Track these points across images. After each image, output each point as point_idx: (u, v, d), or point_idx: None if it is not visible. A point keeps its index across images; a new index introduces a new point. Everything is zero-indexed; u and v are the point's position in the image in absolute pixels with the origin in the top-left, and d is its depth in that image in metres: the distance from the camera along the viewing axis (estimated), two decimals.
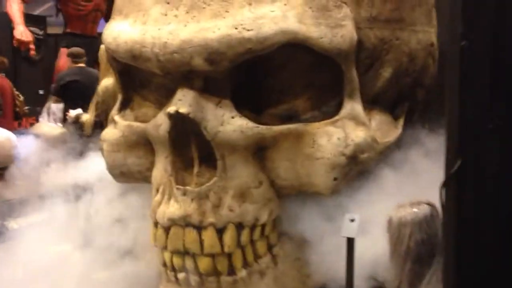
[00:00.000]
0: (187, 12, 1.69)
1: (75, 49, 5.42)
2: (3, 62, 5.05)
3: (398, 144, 1.93)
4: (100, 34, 3.00)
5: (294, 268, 1.92)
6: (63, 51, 5.87)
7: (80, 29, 6.39)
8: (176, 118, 1.69)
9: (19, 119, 5.20)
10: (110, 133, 2.02)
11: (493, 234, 1.16)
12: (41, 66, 6.27)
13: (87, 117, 3.40)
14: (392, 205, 1.60)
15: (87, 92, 5.23)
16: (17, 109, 5.18)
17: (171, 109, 1.68)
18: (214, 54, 1.64)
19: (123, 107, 2.06)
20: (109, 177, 2.13)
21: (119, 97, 2.07)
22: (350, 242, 1.60)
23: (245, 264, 1.82)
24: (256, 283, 1.84)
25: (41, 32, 6.50)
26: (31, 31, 6.01)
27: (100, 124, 3.00)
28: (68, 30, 6.42)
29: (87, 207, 2.35)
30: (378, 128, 1.89)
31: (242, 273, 1.81)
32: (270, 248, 1.87)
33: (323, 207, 1.85)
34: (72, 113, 4.10)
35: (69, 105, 4.71)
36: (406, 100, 2.01)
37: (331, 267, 1.78)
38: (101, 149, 2.07)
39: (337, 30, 1.70)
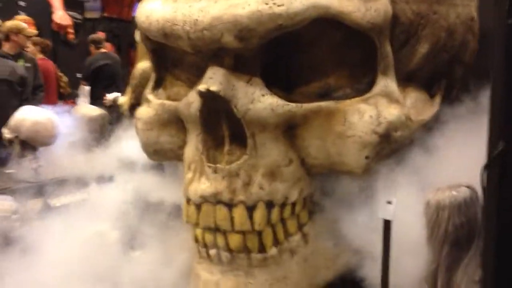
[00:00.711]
0: None
1: (97, 36, 5.52)
2: (47, 45, 5.18)
3: (434, 122, 1.86)
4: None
5: (324, 248, 1.91)
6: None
7: (116, 14, 6.51)
8: (207, 96, 1.69)
9: (63, 99, 5.31)
10: (144, 111, 2.05)
11: None
12: (78, 50, 6.42)
13: (125, 99, 3.47)
14: (429, 186, 1.56)
15: (117, 74, 5.43)
16: (61, 90, 5.30)
17: (202, 87, 1.68)
18: (244, 31, 1.62)
19: (157, 86, 2.08)
20: (144, 157, 2.17)
21: (153, 76, 2.10)
22: (387, 224, 1.56)
23: (276, 242, 1.82)
24: (286, 261, 1.85)
25: (79, 16, 6.66)
26: (69, 15, 6.16)
27: (137, 106, 3.06)
28: (105, 15, 6.55)
29: (124, 187, 2.41)
30: (413, 106, 1.83)
31: (273, 251, 1.81)
32: (300, 227, 1.86)
33: (355, 187, 1.82)
34: (110, 96, 4.21)
35: (101, 87, 4.86)
36: (443, 77, 1.94)
37: (363, 248, 1.76)
38: (136, 128, 2.11)
39: (370, 4, 1.64)
